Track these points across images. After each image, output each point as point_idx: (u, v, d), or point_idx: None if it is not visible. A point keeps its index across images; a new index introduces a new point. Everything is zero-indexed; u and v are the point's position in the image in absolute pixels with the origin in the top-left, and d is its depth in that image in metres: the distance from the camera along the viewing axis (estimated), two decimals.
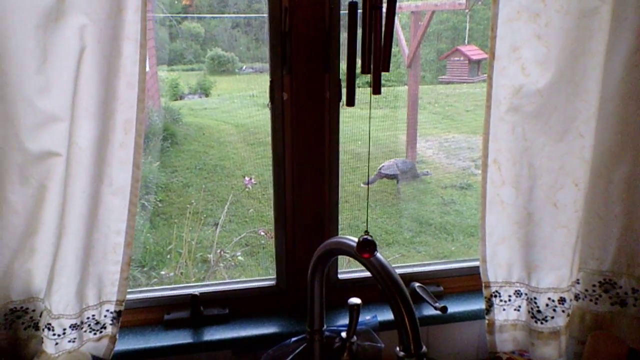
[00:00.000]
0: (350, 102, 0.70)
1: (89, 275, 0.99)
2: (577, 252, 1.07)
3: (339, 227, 1.25)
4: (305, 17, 1.05)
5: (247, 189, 4.45)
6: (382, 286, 0.85)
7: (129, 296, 1.14)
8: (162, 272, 3.27)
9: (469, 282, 1.32)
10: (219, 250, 3.44)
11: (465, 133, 6.38)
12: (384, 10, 0.66)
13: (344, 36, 1.10)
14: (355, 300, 1.06)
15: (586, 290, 1.15)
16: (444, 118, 6.77)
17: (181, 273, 3.27)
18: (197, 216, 4.06)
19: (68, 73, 0.86)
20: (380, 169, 4.97)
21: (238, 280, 1.27)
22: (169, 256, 3.52)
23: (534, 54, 1.00)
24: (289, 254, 1.22)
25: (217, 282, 1.27)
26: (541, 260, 1.09)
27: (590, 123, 1.02)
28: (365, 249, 0.80)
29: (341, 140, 1.16)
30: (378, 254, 0.86)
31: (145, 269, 3.43)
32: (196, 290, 1.20)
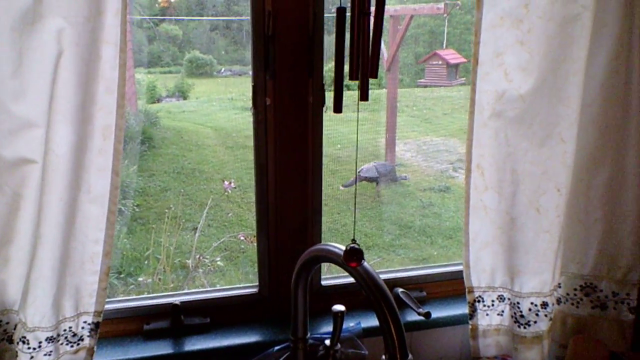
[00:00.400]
0: (338, 109, 0.69)
1: (65, 286, 0.96)
2: (559, 256, 1.08)
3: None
4: (288, 21, 1.04)
5: (226, 193, 4.40)
6: (368, 294, 0.85)
7: (107, 306, 1.11)
8: (140, 279, 3.21)
9: (451, 286, 1.32)
10: (197, 256, 3.40)
11: (443, 136, 6.43)
12: (372, 16, 0.65)
13: (327, 40, 1.10)
14: (339, 307, 1.05)
15: (567, 294, 1.16)
16: (422, 121, 6.82)
17: (159, 279, 3.22)
18: (176, 221, 4.00)
19: (45, 77, 0.83)
20: (359, 171, 4.97)
21: (219, 288, 1.25)
22: (146, 262, 3.46)
23: (516, 59, 1.01)
24: (271, 260, 1.21)
25: (197, 290, 1.24)
26: (524, 265, 1.09)
27: (572, 128, 1.03)
28: (352, 258, 0.79)
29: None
30: (364, 262, 0.85)
31: (122, 275, 3.36)
32: (176, 299, 1.17)
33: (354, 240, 0.81)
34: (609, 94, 1.07)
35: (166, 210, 4.14)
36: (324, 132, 1.15)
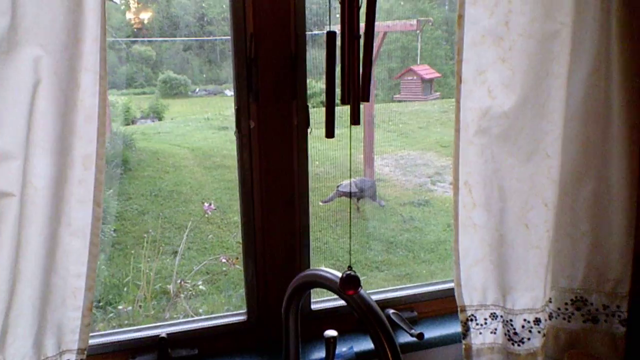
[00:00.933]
0: (330, 134, 0.68)
1: (47, 324, 0.92)
2: (549, 272, 1.08)
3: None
4: (270, 42, 1.03)
5: (206, 215, 4.34)
6: (363, 320, 0.83)
7: (90, 341, 1.06)
8: (120, 307, 3.12)
9: (442, 305, 1.31)
10: (179, 281, 3.33)
11: (419, 150, 6.49)
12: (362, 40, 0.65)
13: (309, 60, 1.09)
14: (331, 332, 1.03)
15: (559, 309, 1.16)
16: (398, 135, 6.88)
17: (140, 306, 3.14)
18: (155, 245, 3.92)
19: (21, 108, 0.80)
20: (338, 187, 4.97)
21: (207, 316, 1.22)
22: (126, 289, 3.37)
23: (499, 77, 1.02)
24: (259, 286, 1.18)
25: (184, 320, 1.20)
26: (515, 281, 1.09)
27: (556, 143, 1.03)
28: (349, 286, 0.77)
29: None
30: (361, 289, 0.83)
31: (101, 304, 3.27)
32: (162, 331, 1.14)
33: (350, 267, 0.79)
34: (590, 108, 1.08)
35: (145, 235, 4.05)
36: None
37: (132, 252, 3.83)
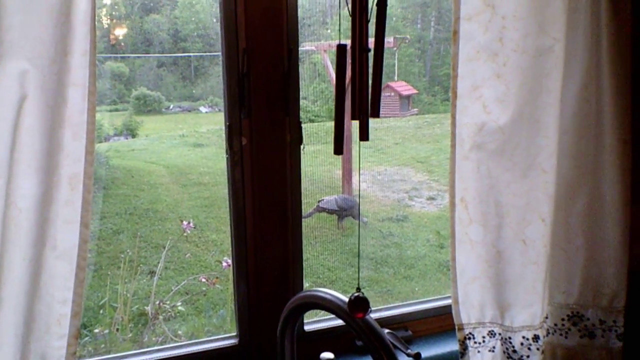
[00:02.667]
0: (339, 150, 0.65)
1: (30, 354, 0.86)
2: (546, 287, 1.07)
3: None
4: (263, 57, 1.01)
5: (185, 234, 4.25)
6: (366, 343, 0.80)
7: None
8: (96, 330, 3.01)
9: (437, 323, 1.29)
10: (157, 302, 3.23)
11: (396, 165, 6.53)
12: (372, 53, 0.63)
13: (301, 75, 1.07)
14: (328, 355, 1.00)
15: (555, 325, 1.15)
16: (375, 151, 6.91)
17: (117, 329, 3.03)
18: (131, 265, 3.82)
19: (6, 124, 0.76)
20: (318, 202, 4.94)
21: (196, 341, 1.17)
22: (102, 311, 3.26)
23: (494, 92, 1.01)
24: (252, 308, 1.14)
25: (171, 345, 1.15)
26: (513, 298, 1.07)
27: (551, 158, 1.03)
28: (358, 308, 0.74)
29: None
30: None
31: None
32: (149, 357, 1.08)
33: (359, 289, 0.76)
34: (581, 122, 1.09)
35: (121, 255, 3.95)
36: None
37: (108, 273, 3.72)
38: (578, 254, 1.12)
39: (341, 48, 0.63)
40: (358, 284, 0.78)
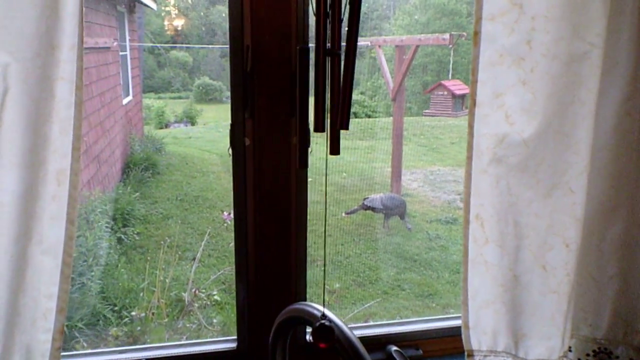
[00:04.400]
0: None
1: (14, 346, 0.86)
2: (569, 319, 0.96)
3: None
4: (269, 56, 0.96)
5: (225, 224, 4.30)
6: None
7: None
8: (134, 313, 3.10)
9: (450, 344, 1.20)
10: (194, 289, 3.28)
11: (450, 165, 6.33)
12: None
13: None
14: None
15: None
16: (429, 150, 6.73)
17: (153, 313, 3.11)
18: (175, 250, 3.90)
19: None
20: (364, 200, 4.86)
21: (194, 341, 1.15)
22: (142, 294, 3.35)
23: (519, 101, 0.91)
24: (251, 313, 1.10)
25: (169, 344, 1.13)
26: (529, 328, 0.98)
27: (581, 177, 0.92)
28: (321, 338, 0.68)
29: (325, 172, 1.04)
30: (343, 326, 0.74)
31: (116, 308, 3.25)
32: (145, 355, 1.07)
33: (324, 316, 0.70)
34: (621, 138, 0.97)
35: (165, 240, 4.04)
36: (330, 160, 1.05)
37: (153, 256, 3.82)
38: (610, 285, 1.01)
39: (303, 51, 0.56)
40: (323, 306, 0.72)
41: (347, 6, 0.53)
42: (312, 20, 0.81)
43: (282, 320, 0.91)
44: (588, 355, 1.03)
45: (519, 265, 0.97)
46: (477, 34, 0.90)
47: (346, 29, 0.55)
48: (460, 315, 1.21)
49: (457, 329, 1.18)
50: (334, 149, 0.60)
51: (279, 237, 1.06)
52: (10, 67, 0.74)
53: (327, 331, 0.68)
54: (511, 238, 0.96)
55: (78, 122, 0.80)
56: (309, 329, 1.16)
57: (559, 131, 0.92)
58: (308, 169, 1.06)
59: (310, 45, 0.92)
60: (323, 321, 0.69)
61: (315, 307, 0.83)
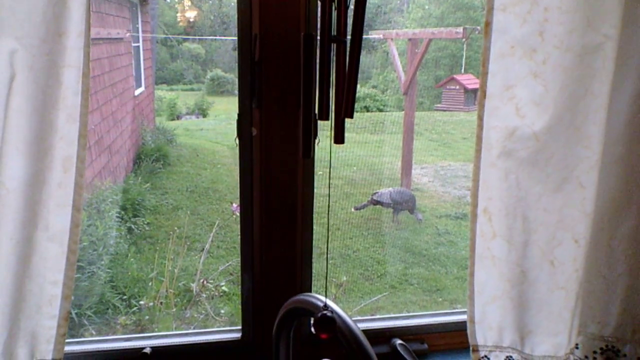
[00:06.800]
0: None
1: (19, 331, 0.87)
2: (576, 316, 0.95)
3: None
4: (277, 45, 0.95)
5: (234, 216, 4.31)
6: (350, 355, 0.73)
7: (69, 347, 1.02)
8: (142, 302, 3.12)
9: (456, 338, 1.19)
10: (202, 280, 3.30)
11: (461, 161, 6.28)
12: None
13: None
14: None
15: (586, 357, 1.02)
16: (440, 145, 6.69)
17: (161, 303, 3.13)
18: (184, 241, 3.92)
19: None
20: (373, 195, 4.84)
21: (199, 331, 1.15)
22: (151, 284, 3.38)
23: (529, 93, 0.90)
24: (256, 303, 1.10)
25: (174, 333, 1.14)
26: (536, 324, 0.97)
27: (592, 172, 0.91)
28: (323, 328, 0.68)
29: (335, 165, 1.04)
30: (345, 317, 0.74)
31: (125, 297, 3.28)
32: (149, 343, 1.07)
33: (325, 306, 0.70)
34: (634, 132, 0.95)
35: (174, 230, 4.05)
36: (339, 154, 1.04)
37: (162, 246, 3.84)
38: (619, 282, 0.99)
39: (308, 37, 0.56)
40: (325, 297, 0.71)
41: None
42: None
43: (285, 311, 0.90)
44: (595, 352, 1.02)
45: (527, 261, 0.95)
46: (488, 24, 0.89)
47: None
48: (466, 310, 1.20)
49: (463, 324, 1.17)
50: (339, 137, 0.59)
51: (285, 228, 1.05)
52: (17, 54, 0.74)
53: (328, 322, 0.68)
54: (519, 233, 0.95)
55: (85, 109, 0.80)
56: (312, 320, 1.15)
57: (570, 125, 0.90)
58: (316, 161, 1.06)
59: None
60: (325, 312, 0.69)
61: (318, 298, 0.83)
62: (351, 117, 0.57)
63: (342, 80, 0.56)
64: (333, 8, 0.54)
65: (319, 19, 0.63)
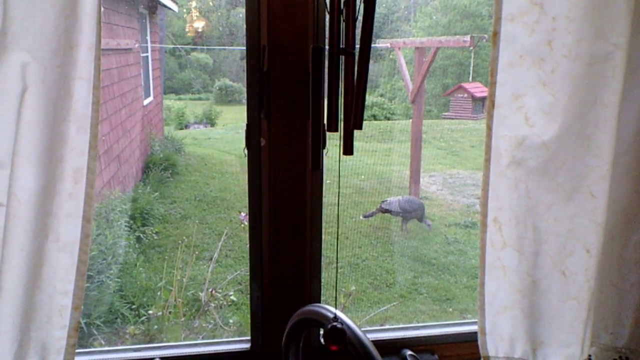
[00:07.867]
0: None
1: (30, 342, 0.87)
2: (588, 327, 0.94)
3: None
4: (285, 56, 0.96)
5: (243, 225, 4.31)
6: None
7: (78, 358, 1.02)
8: (151, 312, 3.13)
9: (467, 349, 1.18)
10: (210, 289, 3.30)
11: (470, 169, 6.26)
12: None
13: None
14: None
15: None
16: (448, 153, 6.67)
17: (170, 312, 3.13)
18: (192, 250, 3.93)
19: (8, 116, 0.76)
20: (382, 203, 4.83)
21: (208, 341, 1.15)
22: (159, 293, 3.38)
23: (538, 102, 0.89)
24: (265, 314, 1.10)
25: (183, 343, 1.14)
26: (547, 335, 0.95)
27: (603, 181, 0.90)
28: (333, 340, 0.68)
29: (343, 174, 1.05)
30: (356, 328, 0.74)
31: (134, 306, 3.29)
32: (158, 354, 1.07)
33: (335, 318, 0.69)
34: None
35: (183, 239, 4.06)
36: (348, 162, 1.05)
37: (171, 255, 3.85)
38: (632, 292, 0.98)
39: (317, 50, 0.56)
40: (335, 308, 0.71)
41: (362, 4, 0.53)
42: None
43: (295, 321, 0.90)
44: None
45: (538, 271, 0.95)
46: (496, 34, 0.89)
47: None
48: (476, 320, 1.19)
49: (474, 334, 1.16)
50: (347, 148, 0.59)
51: (294, 237, 1.05)
52: (29, 67, 0.75)
53: (339, 333, 0.68)
54: (530, 242, 0.94)
55: (95, 120, 0.81)
56: (322, 331, 1.15)
57: (580, 134, 0.89)
58: (325, 171, 1.06)
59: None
60: (335, 323, 0.68)
61: (328, 309, 0.83)
62: (360, 128, 0.57)
63: (351, 92, 0.56)
64: (341, 20, 0.54)
65: (327, 31, 0.63)
